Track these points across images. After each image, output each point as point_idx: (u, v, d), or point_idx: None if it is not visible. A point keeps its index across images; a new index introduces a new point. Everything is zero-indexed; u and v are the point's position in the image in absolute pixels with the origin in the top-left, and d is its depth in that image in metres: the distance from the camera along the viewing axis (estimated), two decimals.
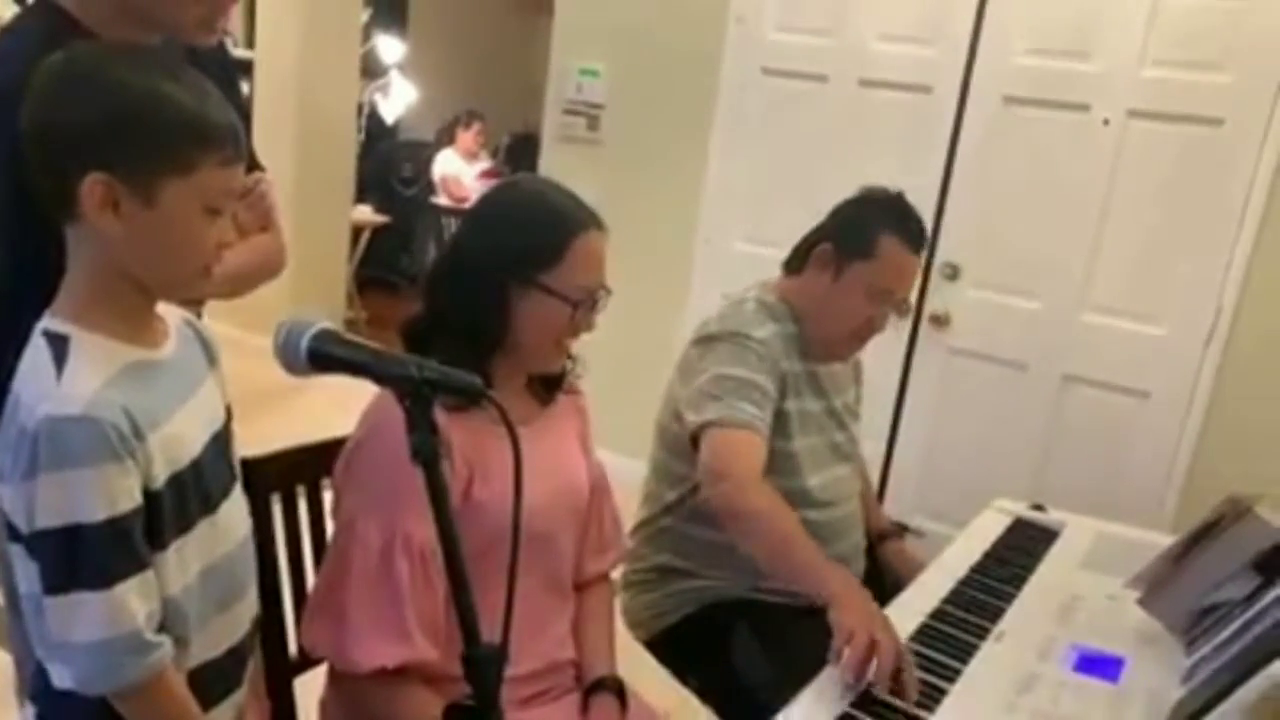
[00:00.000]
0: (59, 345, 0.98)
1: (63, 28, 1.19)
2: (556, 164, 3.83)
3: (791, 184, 3.34)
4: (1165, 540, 1.66)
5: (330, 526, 1.35)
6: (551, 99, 3.88)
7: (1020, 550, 1.79)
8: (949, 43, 3.06)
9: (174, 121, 0.97)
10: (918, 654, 1.36)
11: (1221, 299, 2.81)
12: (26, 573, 0.98)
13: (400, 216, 6.48)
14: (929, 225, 2.15)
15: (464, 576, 0.93)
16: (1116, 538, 1.89)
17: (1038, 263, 3.05)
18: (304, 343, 0.96)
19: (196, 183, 0.98)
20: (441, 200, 6.46)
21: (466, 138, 6.52)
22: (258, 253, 1.45)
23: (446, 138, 6.67)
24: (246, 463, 1.25)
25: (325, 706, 1.39)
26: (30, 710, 1.09)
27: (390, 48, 6.39)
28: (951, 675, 1.34)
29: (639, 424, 2.00)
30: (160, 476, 1.01)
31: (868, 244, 1.76)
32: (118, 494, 0.96)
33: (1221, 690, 1.13)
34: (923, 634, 1.45)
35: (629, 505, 1.77)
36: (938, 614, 1.52)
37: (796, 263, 1.86)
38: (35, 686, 1.07)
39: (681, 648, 1.83)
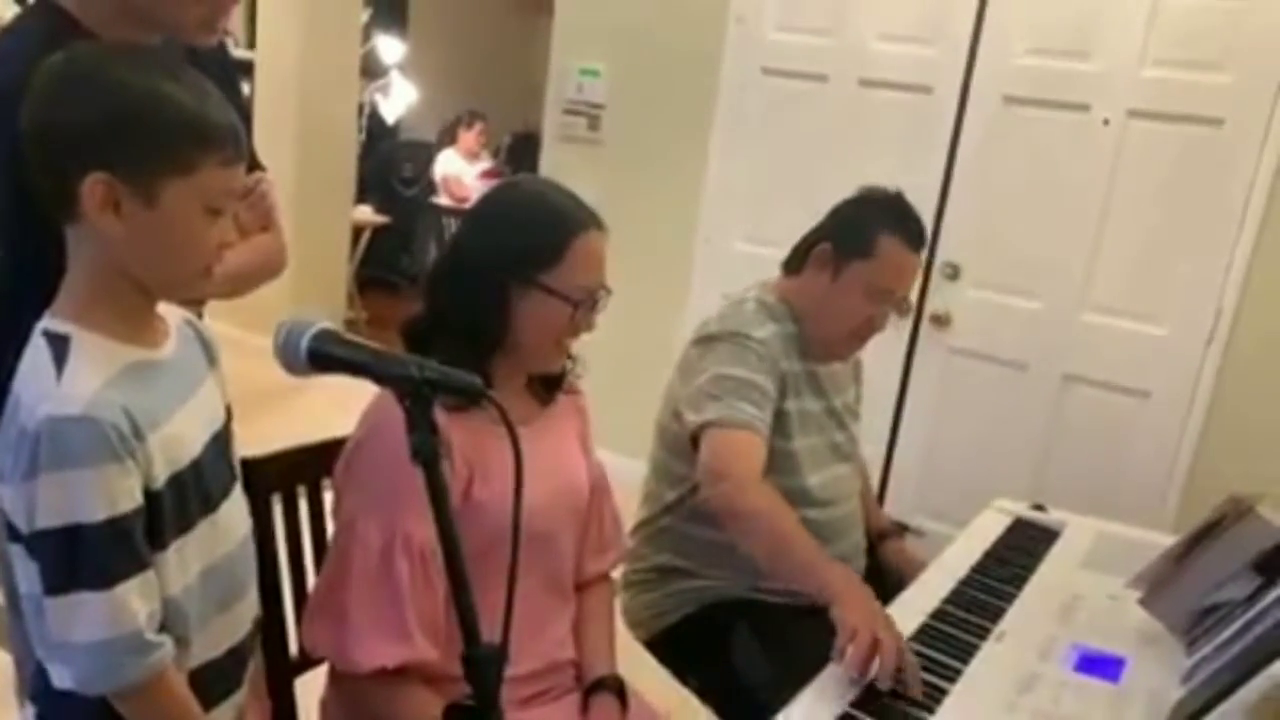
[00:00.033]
0: (59, 345, 0.98)
1: (63, 28, 1.19)
2: (557, 164, 3.84)
3: (791, 184, 3.34)
4: (1166, 540, 1.66)
5: (330, 526, 1.35)
6: (552, 99, 3.88)
7: (1021, 550, 1.79)
8: (949, 43, 3.06)
9: (174, 122, 0.97)
10: (918, 654, 1.35)
11: (1222, 299, 2.81)
12: (27, 573, 0.98)
13: (401, 217, 6.48)
14: (929, 225, 2.16)
15: (464, 576, 0.93)
16: (1117, 538, 1.89)
17: (1038, 263, 3.05)
18: (304, 343, 0.96)
19: (197, 183, 0.98)
20: (442, 200, 6.45)
21: (468, 138, 6.51)
22: (259, 253, 1.45)
23: (448, 138, 6.66)
24: (246, 463, 1.25)
25: (326, 706, 1.39)
26: (30, 710, 1.10)
27: (390, 48, 6.38)
28: (952, 675, 1.34)
29: (639, 424, 2.00)
30: (160, 476, 1.01)
31: (867, 243, 1.76)
32: (118, 494, 0.96)
33: (1222, 690, 1.13)
34: (923, 634, 1.45)
35: (629, 505, 1.77)
36: (938, 614, 1.52)
37: (796, 262, 1.86)
38: (35, 686, 1.07)
39: (681, 647, 1.83)
